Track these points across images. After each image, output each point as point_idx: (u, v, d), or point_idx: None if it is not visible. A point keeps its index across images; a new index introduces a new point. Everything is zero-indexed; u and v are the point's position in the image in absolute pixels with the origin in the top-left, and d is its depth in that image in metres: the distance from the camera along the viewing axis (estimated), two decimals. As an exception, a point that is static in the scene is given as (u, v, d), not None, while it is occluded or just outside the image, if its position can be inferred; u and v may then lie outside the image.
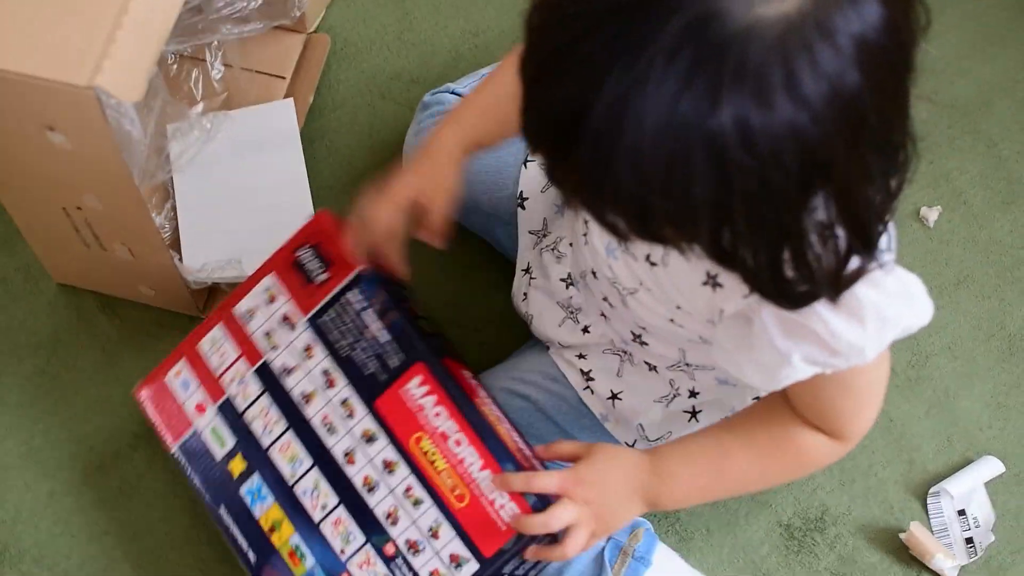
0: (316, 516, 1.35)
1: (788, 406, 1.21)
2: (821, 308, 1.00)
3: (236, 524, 1.39)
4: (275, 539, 1.36)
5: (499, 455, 1.28)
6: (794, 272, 0.91)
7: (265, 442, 1.38)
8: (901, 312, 1.04)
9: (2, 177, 1.45)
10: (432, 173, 1.33)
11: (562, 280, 1.41)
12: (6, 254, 1.71)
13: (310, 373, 1.37)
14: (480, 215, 1.60)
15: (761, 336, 1.06)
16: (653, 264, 1.18)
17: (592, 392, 1.43)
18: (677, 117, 0.79)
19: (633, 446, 1.44)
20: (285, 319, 1.40)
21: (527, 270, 1.50)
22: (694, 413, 1.41)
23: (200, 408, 1.43)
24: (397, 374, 1.33)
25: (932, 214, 1.71)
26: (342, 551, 1.33)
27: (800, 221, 0.87)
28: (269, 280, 1.42)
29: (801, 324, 1.03)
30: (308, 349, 1.38)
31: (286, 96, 1.77)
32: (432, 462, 1.30)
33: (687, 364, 1.34)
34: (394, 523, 1.31)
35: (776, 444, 1.22)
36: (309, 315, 1.39)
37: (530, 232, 1.50)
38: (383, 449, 1.32)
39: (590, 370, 1.43)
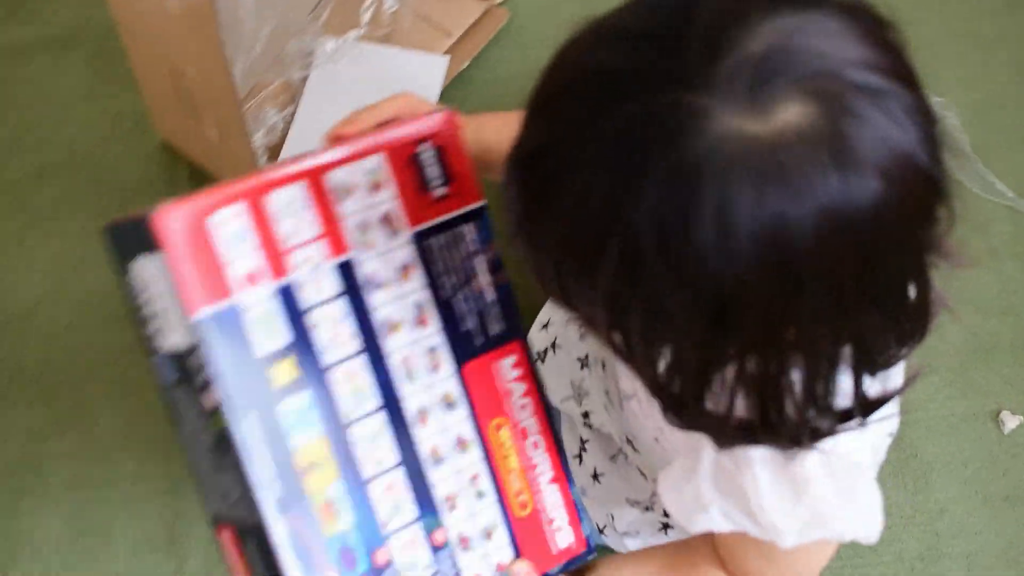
0: (367, 471, 1.05)
1: (711, 548, 1.14)
2: (759, 469, 0.93)
3: (264, 444, 1.00)
4: (309, 483, 1.02)
5: (567, 473, 1.14)
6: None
7: (328, 359, 1.03)
8: (841, 515, 0.95)
9: (126, 21, 1.47)
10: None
11: (579, 359, 1.35)
12: (129, 92, 1.74)
13: (403, 300, 1.07)
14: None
15: (694, 471, 0.99)
16: None
17: (580, 462, 1.38)
18: (607, 192, 0.75)
19: (602, 531, 1.39)
20: (386, 219, 1.06)
21: (546, 325, 1.44)
22: (665, 527, 1.35)
23: (252, 278, 0.99)
24: (494, 344, 1.11)
25: (1012, 421, 1.60)
26: (385, 523, 1.06)
27: (699, 354, 0.81)
28: (378, 161, 1.05)
29: (733, 477, 0.96)
30: (406, 270, 1.07)
31: (445, 54, 1.76)
32: (505, 456, 1.12)
33: None
34: (452, 509, 1.10)
35: None
36: (417, 228, 1.07)
37: None
38: (461, 422, 1.10)
39: (588, 440, 1.37)
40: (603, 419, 1.33)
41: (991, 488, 1.57)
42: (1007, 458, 1.59)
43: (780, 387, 0.82)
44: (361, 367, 1.04)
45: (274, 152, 1.65)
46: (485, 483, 1.10)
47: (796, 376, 0.82)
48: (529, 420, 1.12)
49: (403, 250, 1.06)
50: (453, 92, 1.76)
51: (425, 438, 1.07)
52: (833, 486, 0.94)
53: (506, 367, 1.11)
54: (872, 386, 0.87)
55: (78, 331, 1.64)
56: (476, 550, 1.11)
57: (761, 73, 0.73)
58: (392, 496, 1.06)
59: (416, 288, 1.07)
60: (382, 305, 1.05)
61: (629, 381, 1.16)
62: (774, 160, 0.72)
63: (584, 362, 1.34)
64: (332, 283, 1.02)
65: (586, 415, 1.35)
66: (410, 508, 1.07)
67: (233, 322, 0.97)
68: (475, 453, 1.10)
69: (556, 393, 1.39)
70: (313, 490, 1.01)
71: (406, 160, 1.06)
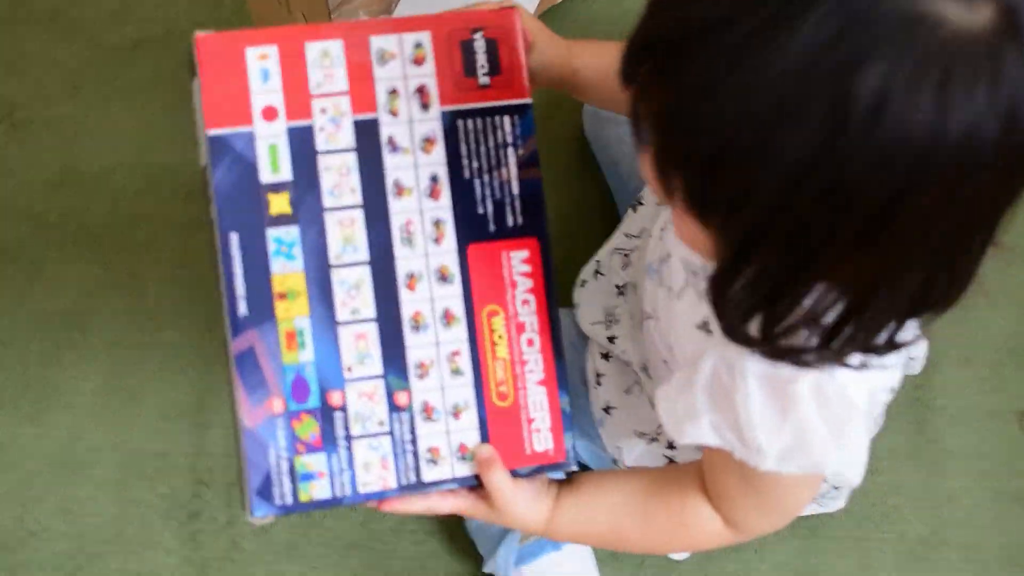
0: (340, 315, 1.11)
1: (698, 474, 1.15)
2: (753, 385, 0.96)
3: (242, 261, 1.09)
4: (279, 308, 1.10)
5: (561, 381, 1.14)
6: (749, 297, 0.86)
7: (326, 202, 1.10)
8: (824, 445, 0.97)
9: None
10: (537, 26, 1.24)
11: (617, 287, 1.37)
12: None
13: (417, 168, 1.12)
14: (617, 178, 1.59)
15: (691, 381, 1.01)
16: (669, 289, 1.14)
17: (598, 394, 1.41)
18: (817, 64, 0.74)
19: (615, 464, 1.42)
20: (420, 91, 1.12)
21: (598, 261, 1.46)
22: (671, 462, 1.37)
23: (269, 113, 1.09)
24: (508, 235, 1.13)
25: (1038, 424, 1.60)
26: (349, 368, 1.11)
27: (823, 252, 0.81)
28: (425, 37, 1.12)
29: (728, 391, 0.98)
30: (429, 142, 1.11)
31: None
32: (495, 344, 1.13)
33: None
34: (422, 376, 1.12)
35: (668, 516, 1.16)
36: (450, 107, 1.12)
37: (626, 235, 1.43)
38: (452, 297, 1.13)
39: (603, 374, 1.40)
40: (627, 345, 1.34)
41: (1003, 486, 1.57)
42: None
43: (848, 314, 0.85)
44: (357, 218, 1.10)
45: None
46: (465, 362, 1.12)
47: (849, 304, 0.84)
48: (529, 317, 1.13)
49: (430, 123, 1.11)
50: (545, 22, 1.78)
51: (409, 301, 1.11)
52: (821, 413, 0.95)
53: (516, 259, 1.13)
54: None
55: (146, 200, 1.69)
56: (439, 423, 1.12)
57: None
58: (361, 345, 1.11)
59: (435, 161, 1.11)
60: (396, 169, 1.11)
61: (651, 302, 1.18)
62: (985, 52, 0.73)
63: (622, 290, 1.35)
64: (348, 136, 1.10)
65: (612, 339, 1.37)
66: (377, 363, 1.11)
67: (244, 145, 1.08)
68: (460, 331, 1.12)
69: (588, 317, 1.41)
70: (281, 316, 1.09)
71: (456, 43, 1.12)
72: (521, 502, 1.12)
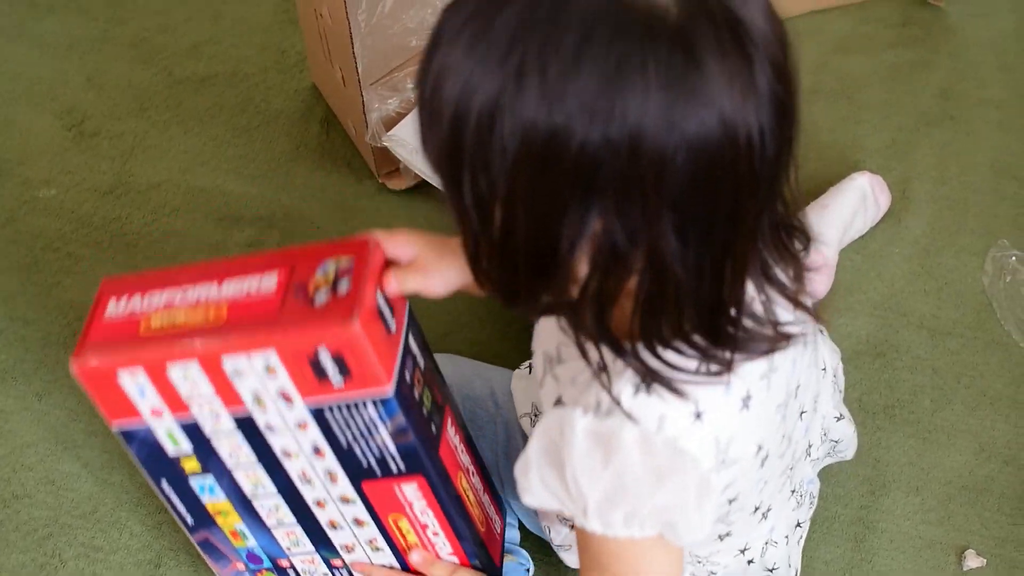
0: (269, 522, 1.31)
1: None
2: (580, 436, 1.00)
3: (177, 495, 1.30)
4: (219, 520, 1.32)
5: (468, 551, 1.31)
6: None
7: (230, 463, 1.25)
8: (641, 489, 1.01)
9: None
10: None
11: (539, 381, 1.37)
12: (298, 36, 1.94)
13: (298, 441, 1.21)
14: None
15: (529, 446, 1.07)
16: (538, 382, 1.20)
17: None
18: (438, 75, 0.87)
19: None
20: (283, 395, 1.16)
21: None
22: None
23: (156, 413, 1.20)
24: (394, 475, 1.23)
25: (974, 561, 1.56)
26: (288, 548, 1.34)
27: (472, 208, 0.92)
28: (272, 357, 1.13)
29: (559, 447, 1.02)
30: (301, 426, 1.19)
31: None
32: (405, 534, 1.29)
33: None
34: (349, 552, 1.33)
35: None
36: (312, 403, 1.16)
37: None
38: (358, 511, 1.28)
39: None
40: None
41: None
42: (953, 594, 1.59)
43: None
44: (259, 472, 1.25)
45: (389, 123, 1.75)
46: (382, 543, 1.30)
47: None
48: (431, 520, 1.26)
49: (298, 413, 1.17)
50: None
51: (323, 515, 1.29)
52: (645, 461, 0.99)
53: (408, 490, 1.24)
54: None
55: (181, 217, 1.83)
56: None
57: None
58: (291, 537, 1.32)
59: (313, 437, 1.20)
60: (280, 441, 1.21)
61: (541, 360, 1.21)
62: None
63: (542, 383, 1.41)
64: (229, 423, 1.20)
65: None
66: (308, 544, 1.33)
67: (147, 434, 1.23)
68: (372, 529, 1.29)
69: (520, 408, 1.46)
70: (223, 524, 1.32)
71: (305, 361, 1.12)
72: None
